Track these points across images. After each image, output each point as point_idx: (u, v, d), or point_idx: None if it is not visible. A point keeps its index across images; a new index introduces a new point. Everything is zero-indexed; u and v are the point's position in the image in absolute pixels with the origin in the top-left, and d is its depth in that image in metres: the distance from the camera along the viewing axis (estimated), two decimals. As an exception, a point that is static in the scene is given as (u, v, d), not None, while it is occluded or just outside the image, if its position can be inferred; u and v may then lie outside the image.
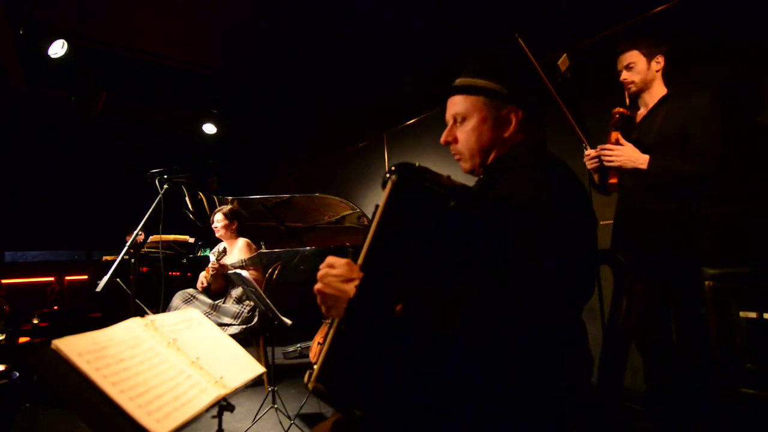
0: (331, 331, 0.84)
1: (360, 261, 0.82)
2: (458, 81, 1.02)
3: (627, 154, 1.80)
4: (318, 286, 0.84)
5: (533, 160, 0.93)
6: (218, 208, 3.22)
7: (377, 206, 0.80)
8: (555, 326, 0.84)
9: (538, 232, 0.79)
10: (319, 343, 2.63)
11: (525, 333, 0.78)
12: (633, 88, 1.90)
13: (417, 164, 0.79)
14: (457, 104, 1.01)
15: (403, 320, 0.76)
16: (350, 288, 0.80)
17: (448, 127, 1.04)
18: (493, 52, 1.02)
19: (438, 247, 0.78)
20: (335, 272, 0.82)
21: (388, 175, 0.78)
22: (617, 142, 1.85)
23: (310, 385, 0.83)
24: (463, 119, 1.01)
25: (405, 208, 0.78)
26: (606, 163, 1.86)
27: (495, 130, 0.98)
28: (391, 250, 0.80)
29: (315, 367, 0.84)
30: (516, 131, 0.98)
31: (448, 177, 0.79)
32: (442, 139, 1.05)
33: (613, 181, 1.88)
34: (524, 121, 0.98)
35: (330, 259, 0.85)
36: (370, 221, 0.82)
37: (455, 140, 1.03)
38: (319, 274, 0.84)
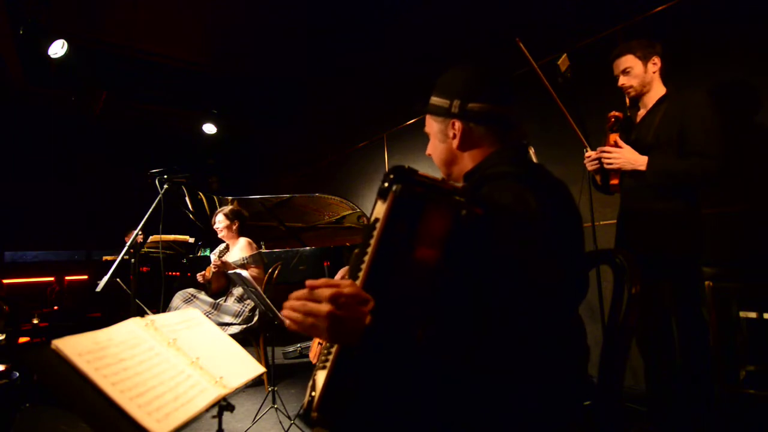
0: (332, 357, 0.74)
1: (362, 279, 0.72)
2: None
3: (626, 157, 1.81)
4: (327, 308, 0.68)
5: (510, 167, 0.93)
6: (219, 209, 3.23)
7: (376, 219, 0.71)
8: (561, 334, 0.84)
9: (535, 238, 0.77)
10: (319, 342, 2.62)
11: (536, 351, 0.76)
12: (632, 93, 1.90)
13: (407, 166, 0.71)
14: (426, 122, 1.07)
15: (425, 348, 0.69)
16: (366, 311, 0.70)
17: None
18: (456, 66, 1.03)
19: (452, 261, 0.70)
20: (347, 292, 0.69)
21: (386, 185, 0.70)
22: (616, 145, 1.85)
23: (312, 415, 0.76)
24: (429, 135, 1.08)
25: (412, 220, 0.68)
26: (606, 166, 1.87)
27: (445, 145, 1.03)
28: (400, 268, 0.70)
29: (316, 393, 0.77)
30: (471, 144, 0.99)
31: (443, 180, 0.74)
32: (426, 153, 1.11)
33: (615, 182, 1.89)
34: (477, 131, 0.98)
35: (323, 281, 0.72)
36: (367, 234, 0.72)
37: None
38: (326, 294, 0.69)
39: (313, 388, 0.81)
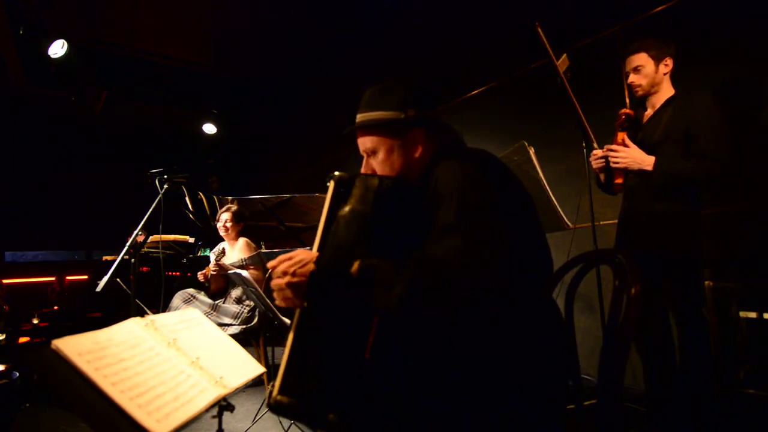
0: (291, 331, 0.84)
1: (315, 246, 0.90)
2: (358, 117, 1.06)
3: (633, 156, 1.80)
4: (283, 280, 0.85)
5: (453, 154, 0.96)
6: (226, 207, 3.22)
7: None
8: (525, 305, 0.86)
9: (486, 209, 0.83)
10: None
11: (494, 313, 0.80)
12: (640, 92, 1.89)
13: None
14: (365, 141, 1.06)
15: (359, 285, 0.80)
16: (309, 267, 0.85)
17: (364, 162, 1.09)
18: (386, 81, 1.06)
19: (385, 227, 0.88)
20: (296, 260, 0.86)
21: (327, 183, 0.95)
22: (623, 143, 1.84)
23: (273, 400, 0.77)
24: (374, 152, 1.05)
25: (343, 194, 0.92)
26: (612, 164, 1.86)
27: (405, 155, 1.03)
28: (341, 234, 0.88)
29: (275, 381, 0.79)
30: (426, 147, 1.03)
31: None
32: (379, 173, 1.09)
33: (619, 181, 1.88)
34: (429, 134, 1.03)
35: (282, 257, 0.88)
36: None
37: (374, 172, 1.07)
38: (279, 269, 0.86)
39: (272, 384, 0.83)
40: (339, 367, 0.80)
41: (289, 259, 0.87)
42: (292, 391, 0.76)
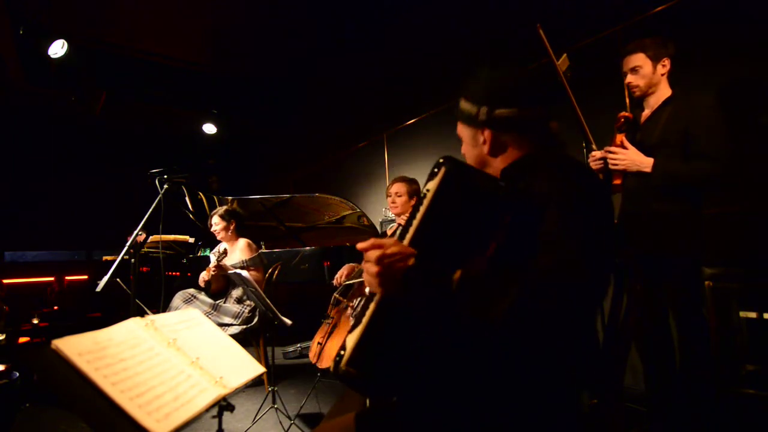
0: (369, 312, 0.84)
1: (408, 239, 0.84)
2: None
3: (631, 158, 1.81)
4: (375, 268, 0.82)
5: (555, 164, 0.93)
6: (214, 211, 3.21)
7: (425, 192, 0.84)
8: (581, 327, 0.86)
9: (573, 224, 0.81)
10: (318, 342, 2.63)
11: (561, 330, 0.79)
12: (637, 92, 1.89)
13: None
14: (458, 126, 1.07)
15: (453, 299, 0.78)
16: (410, 261, 0.82)
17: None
18: (483, 67, 1.02)
19: (486, 233, 0.82)
20: (390, 252, 0.82)
21: (436, 169, 0.83)
22: (622, 145, 1.85)
23: (340, 369, 0.83)
24: (460, 138, 1.07)
25: (456, 192, 0.82)
26: (611, 166, 1.86)
27: (477, 150, 1.02)
28: (441, 234, 0.84)
29: (345, 351, 0.84)
30: (502, 148, 0.99)
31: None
32: (462, 152, 1.10)
33: (617, 182, 1.89)
34: (509, 137, 0.98)
35: (375, 240, 0.84)
36: (417, 204, 0.85)
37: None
38: (374, 255, 0.82)
39: (343, 348, 0.86)
40: (405, 358, 0.84)
41: (381, 246, 0.83)
42: (361, 365, 0.83)
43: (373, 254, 0.83)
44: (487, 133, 0.98)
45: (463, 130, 1.04)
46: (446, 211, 0.83)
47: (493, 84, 0.99)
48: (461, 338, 0.83)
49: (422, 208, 0.83)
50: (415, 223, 0.83)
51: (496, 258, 0.81)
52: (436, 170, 0.83)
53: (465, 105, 1.01)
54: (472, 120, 0.99)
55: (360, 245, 0.86)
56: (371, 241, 0.85)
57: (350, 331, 0.89)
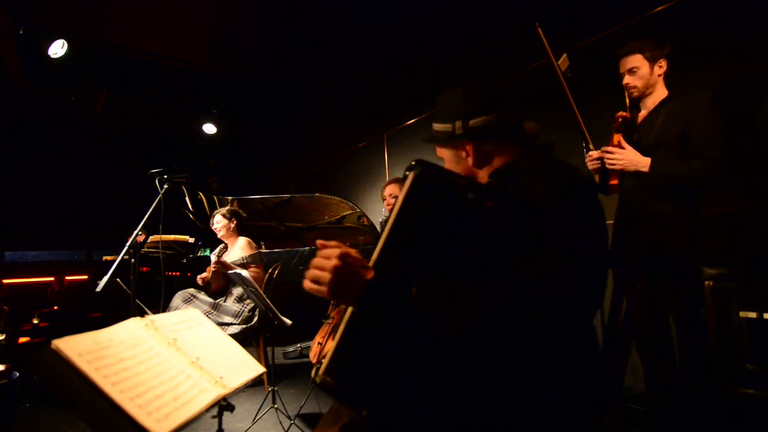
0: (344, 321, 0.82)
1: (377, 251, 0.81)
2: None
3: (628, 158, 1.81)
4: (334, 262, 0.78)
5: (540, 164, 0.93)
6: (216, 210, 3.22)
7: (396, 197, 0.82)
8: (569, 331, 0.83)
9: (556, 229, 0.79)
10: (318, 342, 2.63)
11: (538, 336, 0.78)
12: (635, 93, 1.90)
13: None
14: (437, 150, 1.09)
15: (417, 307, 0.76)
16: (369, 274, 0.79)
17: None
18: (449, 90, 1.03)
19: (455, 239, 0.79)
20: (355, 253, 0.81)
21: (408, 172, 0.79)
22: (619, 145, 1.85)
23: (318, 378, 0.82)
24: (442, 160, 1.08)
25: (424, 199, 0.78)
26: (608, 166, 1.87)
27: (461, 167, 1.03)
28: (409, 240, 0.80)
29: (324, 360, 0.83)
30: (487, 158, 0.99)
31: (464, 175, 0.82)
32: None
33: (614, 182, 1.89)
34: (491, 145, 0.98)
35: (334, 242, 0.82)
36: (390, 213, 0.81)
37: None
38: (336, 252, 0.79)
39: (325, 356, 0.86)
40: (380, 368, 0.83)
41: (347, 253, 0.80)
42: (337, 375, 0.82)
43: (336, 251, 0.80)
44: (468, 146, 0.99)
45: (443, 152, 1.05)
46: (418, 219, 0.78)
47: (462, 98, 0.99)
48: (432, 349, 0.80)
49: (390, 219, 0.79)
50: (384, 235, 0.80)
51: (471, 261, 0.79)
52: (406, 173, 0.79)
53: (438, 126, 1.02)
54: (449, 137, 1.00)
55: (321, 242, 0.83)
56: (335, 243, 0.82)
57: (333, 337, 0.90)
